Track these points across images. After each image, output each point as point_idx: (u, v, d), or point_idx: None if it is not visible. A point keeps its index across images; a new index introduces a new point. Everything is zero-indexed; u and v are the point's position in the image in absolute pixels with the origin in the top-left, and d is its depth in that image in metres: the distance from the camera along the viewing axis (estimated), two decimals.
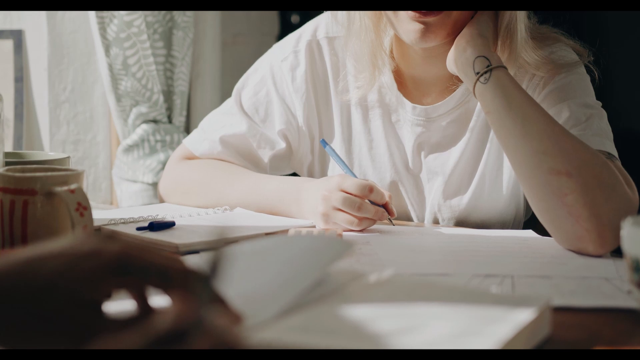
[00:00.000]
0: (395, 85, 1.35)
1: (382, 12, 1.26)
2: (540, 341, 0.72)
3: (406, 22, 1.21)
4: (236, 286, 0.70)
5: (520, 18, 1.23)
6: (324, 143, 1.31)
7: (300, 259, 0.77)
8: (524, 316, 0.68)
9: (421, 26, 1.20)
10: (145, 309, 0.60)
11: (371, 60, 1.31)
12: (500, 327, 0.65)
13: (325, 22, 1.41)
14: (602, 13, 2.60)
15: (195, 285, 0.51)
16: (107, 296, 0.60)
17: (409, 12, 1.20)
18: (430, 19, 1.19)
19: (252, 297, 0.69)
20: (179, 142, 1.81)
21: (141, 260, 0.59)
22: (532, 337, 0.70)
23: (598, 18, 2.60)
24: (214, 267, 0.48)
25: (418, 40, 1.21)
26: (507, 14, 1.23)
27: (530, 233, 1.23)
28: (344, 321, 0.67)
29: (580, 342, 0.73)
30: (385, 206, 1.19)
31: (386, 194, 1.21)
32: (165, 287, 0.59)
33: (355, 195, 1.16)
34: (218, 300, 0.60)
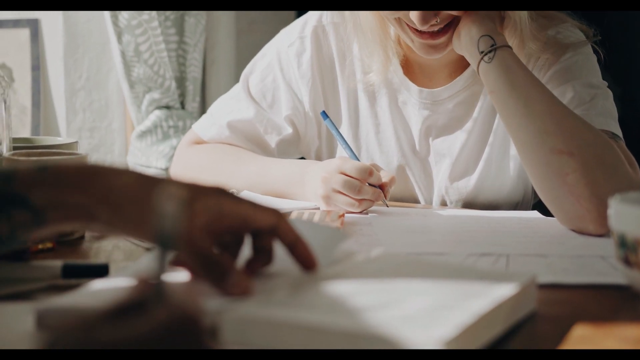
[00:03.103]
0: (401, 70, 1.35)
1: (390, 25, 1.28)
2: (523, 317, 0.72)
3: (415, 41, 1.23)
4: None
5: (523, 13, 1.23)
6: (324, 115, 1.32)
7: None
8: (504, 291, 0.69)
9: (429, 48, 1.23)
10: None
11: (382, 50, 1.32)
12: (477, 301, 0.66)
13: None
14: None
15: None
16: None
17: (417, 35, 1.22)
18: (439, 40, 1.21)
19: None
20: (191, 128, 1.83)
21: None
22: (514, 313, 0.70)
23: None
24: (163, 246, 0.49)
25: (430, 55, 1.24)
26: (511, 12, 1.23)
27: (534, 214, 1.23)
28: (323, 296, 0.68)
29: (564, 317, 0.73)
30: (381, 187, 1.20)
31: (389, 175, 1.21)
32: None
33: (355, 178, 1.17)
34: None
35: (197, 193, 0.68)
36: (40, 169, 0.67)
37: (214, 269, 0.66)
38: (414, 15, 1.17)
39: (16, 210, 0.65)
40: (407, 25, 1.22)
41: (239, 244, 0.73)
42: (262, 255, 0.73)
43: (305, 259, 0.72)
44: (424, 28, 1.19)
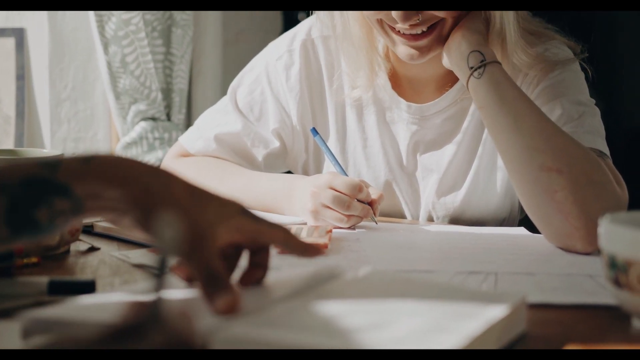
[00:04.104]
0: (389, 84, 1.35)
1: (371, 25, 1.27)
2: (514, 338, 0.72)
3: (399, 45, 1.22)
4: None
5: (510, 21, 1.23)
6: (314, 132, 1.32)
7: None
8: (496, 313, 0.68)
9: (413, 50, 1.21)
10: None
11: (368, 65, 1.32)
12: (470, 323, 0.65)
13: (321, 20, 1.41)
14: (613, 12, 2.59)
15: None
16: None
17: (400, 37, 1.21)
18: (421, 42, 1.20)
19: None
20: (177, 139, 1.82)
21: None
22: (505, 334, 0.70)
23: (609, 15, 2.58)
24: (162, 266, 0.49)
25: (413, 60, 1.23)
26: (498, 20, 1.23)
27: (521, 230, 1.24)
28: (314, 317, 0.67)
29: (554, 338, 0.73)
30: (371, 204, 1.20)
31: (378, 192, 1.21)
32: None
33: (344, 194, 1.17)
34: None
35: (222, 215, 0.71)
36: (84, 160, 0.69)
37: (214, 284, 0.66)
38: (395, 12, 1.17)
39: (58, 198, 0.67)
40: (390, 27, 1.22)
41: (238, 255, 0.75)
42: (258, 270, 0.75)
43: (316, 255, 0.76)
44: (406, 25, 1.18)
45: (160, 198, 0.69)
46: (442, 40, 1.23)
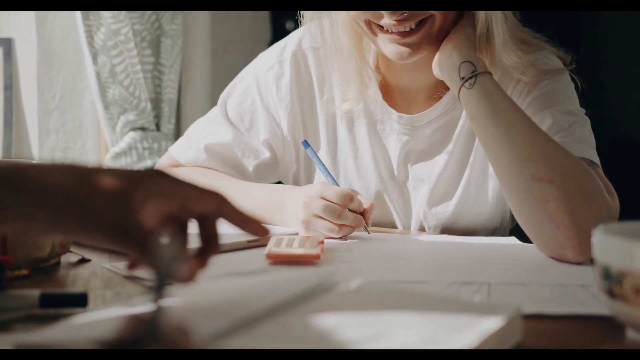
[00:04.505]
0: (380, 95, 1.35)
1: (359, 29, 1.27)
2: (509, 349, 0.72)
3: (387, 44, 1.22)
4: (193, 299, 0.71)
5: (498, 20, 1.23)
6: (306, 144, 1.31)
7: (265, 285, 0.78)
8: (491, 324, 0.68)
9: (403, 48, 1.21)
10: None
11: (358, 77, 1.32)
12: (466, 335, 0.65)
13: (311, 32, 1.41)
14: (598, 21, 2.60)
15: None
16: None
17: (388, 35, 1.20)
18: (411, 39, 1.20)
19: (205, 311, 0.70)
20: (166, 150, 1.82)
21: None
22: (500, 345, 0.70)
23: (594, 25, 2.60)
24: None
25: (404, 59, 1.22)
26: (483, 17, 1.23)
27: (512, 240, 1.24)
28: (311, 329, 0.67)
29: (550, 349, 0.73)
30: (362, 214, 1.20)
31: (369, 202, 1.21)
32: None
33: (335, 204, 1.17)
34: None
35: (133, 180, 0.66)
36: None
37: (160, 255, 0.64)
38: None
39: None
40: (378, 27, 1.22)
41: (184, 232, 0.70)
42: (209, 244, 0.71)
43: (258, 232, 0.72)
44: (392, 20, 1.18)
45: (61, 195, 0.64)
46: (432, 38, 1.22)
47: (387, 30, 1.21)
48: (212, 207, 0.69)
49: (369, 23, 1.23)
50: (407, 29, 1.20)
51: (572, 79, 1.32)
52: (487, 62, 1.24)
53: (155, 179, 0.67)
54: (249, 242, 1.17)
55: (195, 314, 0.67)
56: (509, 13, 1.26)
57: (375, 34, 1.23)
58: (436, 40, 1.23)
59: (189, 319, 0.66)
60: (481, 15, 1.22)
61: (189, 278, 0.65)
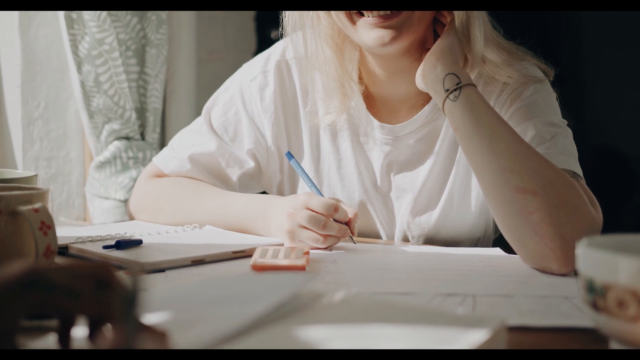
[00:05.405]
0: (364, 105, 1.36)
1: (339, 23, 1.26)
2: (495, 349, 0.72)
3: (368, 30, 1.21)
4: (176, 311, 0.71)
5: (475, 19, 1.24)
6: (290, 156, 1.32)
7: (249, 293, 0.78)
8: (476, 337, 0.69)
9: (384, 32, 1.20)
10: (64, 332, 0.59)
11: (340, 89, 1.32)
12: (451, 348, 0.65)
13: (293, 43, 1.41)
14: (579, 32, 2.63)
15: (119, 310, 0.51)
16: (19, 315, 0.59)
17: (368, 19, 1.21)
18: (391, 22, 1.20)
19: (188, 323, 0.69)
20: (151, 159, 1.81)
21: (49, 277, 0.59)
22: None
23: (576, 36, 2.62)
24: (134, 293, 0.48)
25: (385, 44, 1.21)
26: (460, 16, 1.23)
27: (497, 251, 1.24)
28: (297, 342, 0.67)
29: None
30: (347, 224, 1.20)
31: (352, 211, 1.21)
32: (73, 305, 0.60)
33: (320, 214, 1.17)
34: (142, 325, 0.60)
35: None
36: None
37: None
38: None
39: None
40: (357, 13, 1.21)
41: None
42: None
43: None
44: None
45: None
46: (413, 26, 1.22)
47: (368, 16, 1.20)
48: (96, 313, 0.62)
49: (348, 13, 1.23)
50: (388, 12, 1.20)
51: (554, 90, 1.33)
52: (469, 60, 1.25)
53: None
54: (234, 252, 1.17)
55: (177, 327, 0.67)
56: (486, 17, 1.27)
57: (354, 22, 1.23)
58: (417, 28, 1.23)
59: (169, 332, 0.66)
60: (459, 13, 1.23)
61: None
